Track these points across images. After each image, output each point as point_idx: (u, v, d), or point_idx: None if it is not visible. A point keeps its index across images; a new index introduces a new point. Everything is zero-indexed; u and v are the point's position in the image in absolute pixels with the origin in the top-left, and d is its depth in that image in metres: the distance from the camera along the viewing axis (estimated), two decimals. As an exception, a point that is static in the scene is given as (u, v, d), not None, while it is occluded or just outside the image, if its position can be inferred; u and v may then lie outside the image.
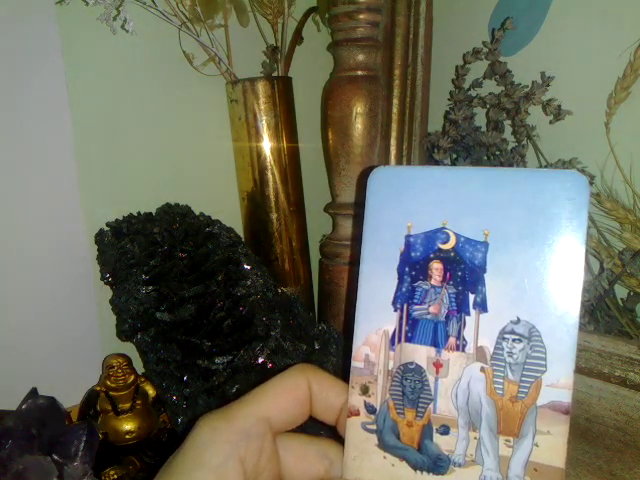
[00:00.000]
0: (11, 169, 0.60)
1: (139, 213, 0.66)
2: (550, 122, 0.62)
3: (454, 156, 0.68)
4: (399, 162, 0.70)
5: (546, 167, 0.59)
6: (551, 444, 0.25)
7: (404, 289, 0.28)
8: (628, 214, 0.58)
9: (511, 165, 0.60)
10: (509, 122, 0.64)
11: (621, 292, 0.59)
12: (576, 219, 0.25)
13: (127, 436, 0.58)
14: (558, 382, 0.25)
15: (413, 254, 0.28)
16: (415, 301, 0.28)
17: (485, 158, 0.64)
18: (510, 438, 0.26)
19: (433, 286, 0.27)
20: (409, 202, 0.28)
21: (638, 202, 0.58)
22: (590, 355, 0.51)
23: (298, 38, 0.74)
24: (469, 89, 0.67)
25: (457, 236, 0.27)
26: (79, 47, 0.62)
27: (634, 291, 0.57)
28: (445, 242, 0.27)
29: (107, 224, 0.65)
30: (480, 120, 0.67)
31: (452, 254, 0.27)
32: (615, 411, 0.49)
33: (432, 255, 0.27)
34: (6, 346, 0.61)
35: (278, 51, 0.71)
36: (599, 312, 0.57)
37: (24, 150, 0.60)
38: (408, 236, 0.28)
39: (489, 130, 0.63)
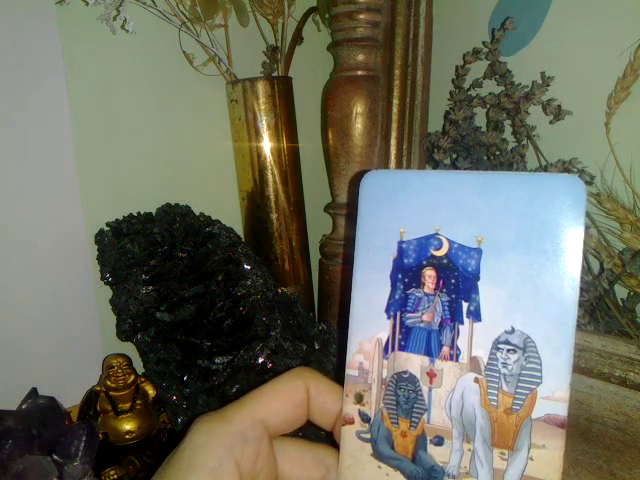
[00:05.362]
0: (11, 169, 0.60)
1: (139, 213, 0.66)
2: (550, 122, 0.62)
3: (454, 156, 0.67)
4: (399, 162, 0.70)
5: (546, 167, 0.58)
6: (547, 458, 0.24)
7: (397, 296, 0.27)
8: (628, 214, 0.58)
9: (511, 165, 0.60)
10: (509, 122, 0.64)
11: (621, 292, 0.59)
12: (573, 225, 0.24)
13: (127, 436, 0.58)
14: (554, 394, 0.24)
15: (406, 261, 0.27)
16: (408, 309, 0.27)
17: (485, 158, 0.64)
18: (505, 451, 0.25)
19: (426, 294, 0.26)
20: (402, 207, 0.27)
21: (638, 202, 0.58)
22: (590, 355, 0.51)
23: (298, 38, 0.73)
24: (469, 89, 0.67)
25: (450, 242, 0.26)
26: (79, 47, 0.62)
27: (634, 291, 0.57)
28: (438, 248, 0.26)
29: (107, 224, 0.65)
30: (480, 120, 0.66)
31: (445, 261, 0.26)
32: (615, 411, 0.49)
33: (425, 262, 0.26)
34: (6, 346, 0.61)
35: (278, 51, 0.70)
36: (599, 312, 0.57)
37: (24, 150, 0.60)
38: (400, 242, 0.27)
39: (489, 130, 0.63)
